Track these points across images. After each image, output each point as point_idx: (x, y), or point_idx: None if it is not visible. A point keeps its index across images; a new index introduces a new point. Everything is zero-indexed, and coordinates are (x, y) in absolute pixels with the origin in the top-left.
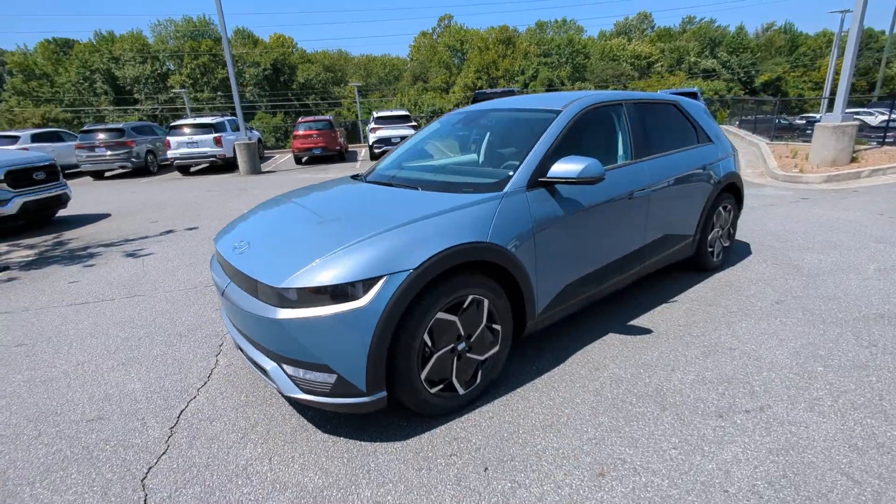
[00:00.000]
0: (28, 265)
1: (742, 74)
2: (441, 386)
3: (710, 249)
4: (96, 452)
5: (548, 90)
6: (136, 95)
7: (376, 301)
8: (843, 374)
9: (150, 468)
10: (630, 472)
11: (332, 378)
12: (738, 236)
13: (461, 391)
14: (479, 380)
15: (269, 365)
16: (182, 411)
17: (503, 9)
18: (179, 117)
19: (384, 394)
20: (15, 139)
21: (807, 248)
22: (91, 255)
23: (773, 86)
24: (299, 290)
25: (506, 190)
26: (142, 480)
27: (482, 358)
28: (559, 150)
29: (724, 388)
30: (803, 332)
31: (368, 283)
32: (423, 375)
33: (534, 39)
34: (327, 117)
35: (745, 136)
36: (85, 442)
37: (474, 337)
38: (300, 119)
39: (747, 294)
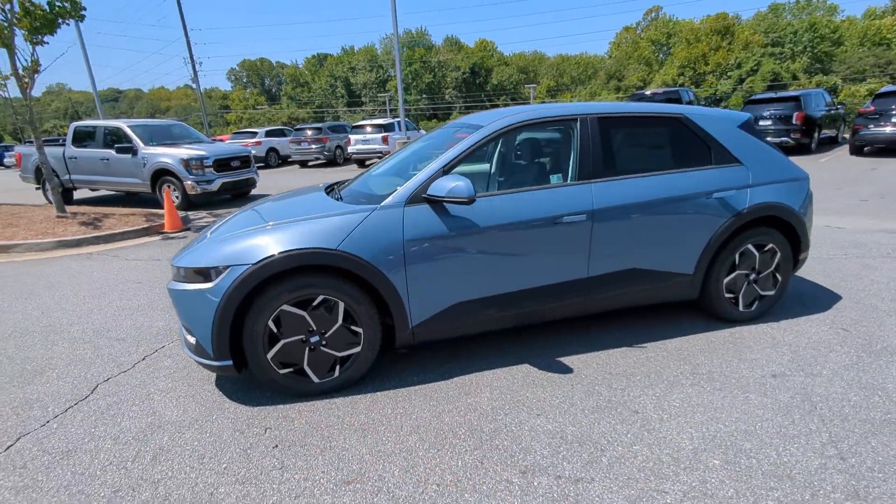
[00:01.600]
0: (201, 228)
1: None
2: (291, 370)
3: (728, 296)
4: (97, 360)
5: (769, 87)
6: (363, 98)
7: (220, 285)
8: (740, 477)
9: (109, 378)
10: (372, 490)
11: (194, 340)
12: (845, 286)
13: (315, 379)
14: (336, 373)
15: (180, 323)
16: (162, 347)
17: None
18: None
19: (230, 362)
20: (255, 133)
21: None
22: None
23: None
24: (179, 267)
25: (382, 203)
26: (98, 385)
27: (340, 355)
28: (464, 166)
29: (568, 449)
30: (758, 417)
31: (219, 271)
32: (269, 356)
33: (761, 27)
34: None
35: None
36: (100, 352)
37: (329, 334)
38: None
39: (745, 357)
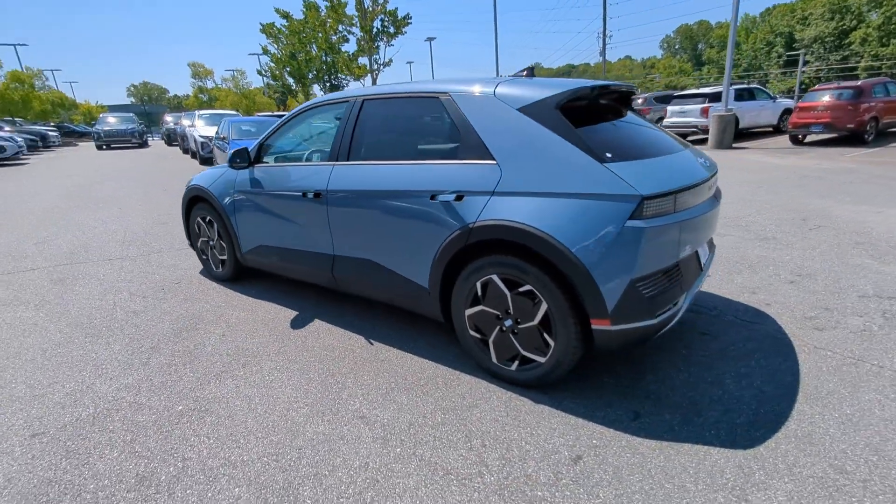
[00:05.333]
0: None
1: None
2: (206, 257)
3: (475, 335)
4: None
5: None
6: (807, 57)
7: (184, 194)
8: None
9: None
10: (141, 322)
11: None
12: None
13: (214, 269)
14: (221, 270)
15: None
16: None
17: None
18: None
19: (189, 242)
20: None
21: None
22: None
23: None
24: None
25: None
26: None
27: (221, 258)
28: (275, 140)
29: (161, 341)
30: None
31: (187, 187)
32: (198, 245)
33: None
34: (857, 83)
35: None
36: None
37: (214, 242)
38: (817, 87)
39: (396, 398)
